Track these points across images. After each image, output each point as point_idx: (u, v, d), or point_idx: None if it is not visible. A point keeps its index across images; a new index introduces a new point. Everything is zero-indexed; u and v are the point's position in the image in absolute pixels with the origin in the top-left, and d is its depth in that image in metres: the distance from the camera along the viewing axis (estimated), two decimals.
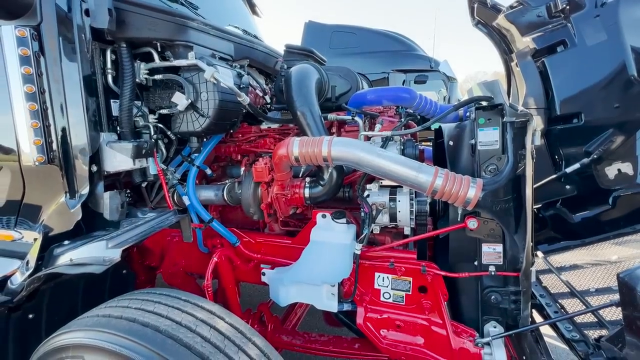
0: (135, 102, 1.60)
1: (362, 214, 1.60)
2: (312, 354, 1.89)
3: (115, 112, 1.54)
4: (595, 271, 2.00)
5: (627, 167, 2.00)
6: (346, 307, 1.75)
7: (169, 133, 1.71)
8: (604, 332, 1.47)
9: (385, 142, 1.61)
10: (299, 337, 1.96)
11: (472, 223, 1.43)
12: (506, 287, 1.49)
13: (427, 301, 1.64)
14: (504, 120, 1.36)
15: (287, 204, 1.73)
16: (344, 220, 1.57)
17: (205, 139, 1.91)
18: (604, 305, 1.38)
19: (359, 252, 1.58)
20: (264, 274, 1.83)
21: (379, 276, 1.71)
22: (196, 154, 1.86)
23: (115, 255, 1.18)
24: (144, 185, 1.82)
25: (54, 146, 1.36)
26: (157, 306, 1.15)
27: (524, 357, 1.54)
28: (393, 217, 1.61)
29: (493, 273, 1.47)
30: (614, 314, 1.58)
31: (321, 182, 1.66)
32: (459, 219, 1.50)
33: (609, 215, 2.08)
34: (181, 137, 1.76)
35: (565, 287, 1.88)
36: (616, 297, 1.30)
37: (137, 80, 1.57)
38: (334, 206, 1.94)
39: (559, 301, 1.80)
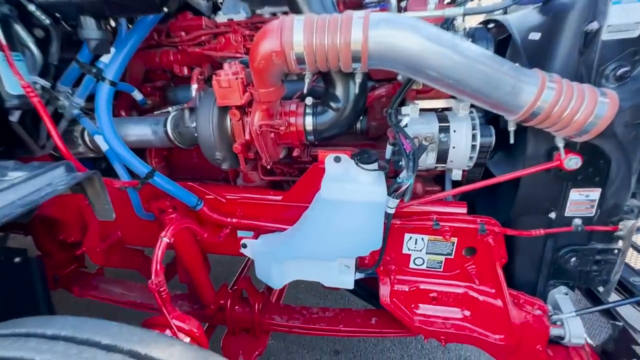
0: None
1: (390, 153, 1.05)
2: (318, 335, 1.47)
3: None
4: None
5: None
6: (359, 275, 1.29)
7: (30, 7, 0.87)
8: None
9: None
10: (297, 316, 1.50)
11: (572, 161, 0.94)
12: (591, 245, 1.11)
13: (472, 266, 1.23)
14: None
15: (277, 141, 1.09)
16: (375, 165, 0.99)
17: (115, 24, 1.08)
18: None
19: (392, 211, 1.05)
20: (244, 245, 1.26)
21: (410, 238, 1.23)
22: (105, 62, 1.06)
23: None
24: (14, 118, 1.03)
25: None
26: None
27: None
28: (443, 156, 1.07)
29: (580, 228, 1.06)
30: None
31: (333, 105, 1.02)
32: (543, 156, 1.01)
33: None
34: (61, 16, 0.94)
35: None
36: None
37: None
38: (335, 143, 1.34)
39: None
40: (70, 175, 0.73)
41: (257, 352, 1.46)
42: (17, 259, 1.22)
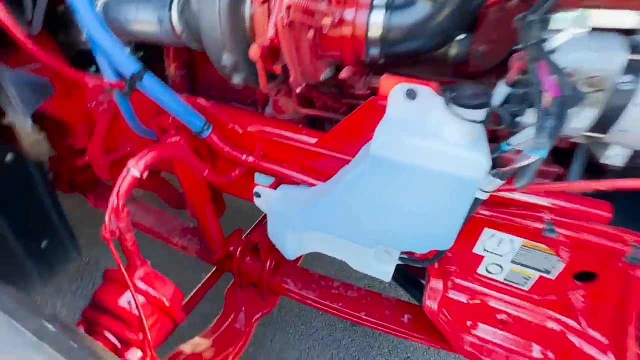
0: None
1: (502, 98, 0.59)
2: (333, 315, 1.21)
3: None
4: None
5: None
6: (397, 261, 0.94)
7: None
8: None
9: None
10: (314, 286, 1.24)
11: None
12: None
13: (581, 298, 0.81)
14: None
15: (320, 50, 0.68)
16: (481, 113, 0.55)
17: None
18: None
19: (486, 197, 0.64)
20: (257, 194, 0.96)
21: (493, 236, 0.82)
22: None
23: None
24: None
25: None
26: None
27: None
28: (609, 118, 0.59)
29: None
30: None
31: None
32: None
33: None
34: None
35: None
36: None
37: None
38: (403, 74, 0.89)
39: None
40: None
41: (260, 313, 1.26)
42: (8, 158, 1.06)
